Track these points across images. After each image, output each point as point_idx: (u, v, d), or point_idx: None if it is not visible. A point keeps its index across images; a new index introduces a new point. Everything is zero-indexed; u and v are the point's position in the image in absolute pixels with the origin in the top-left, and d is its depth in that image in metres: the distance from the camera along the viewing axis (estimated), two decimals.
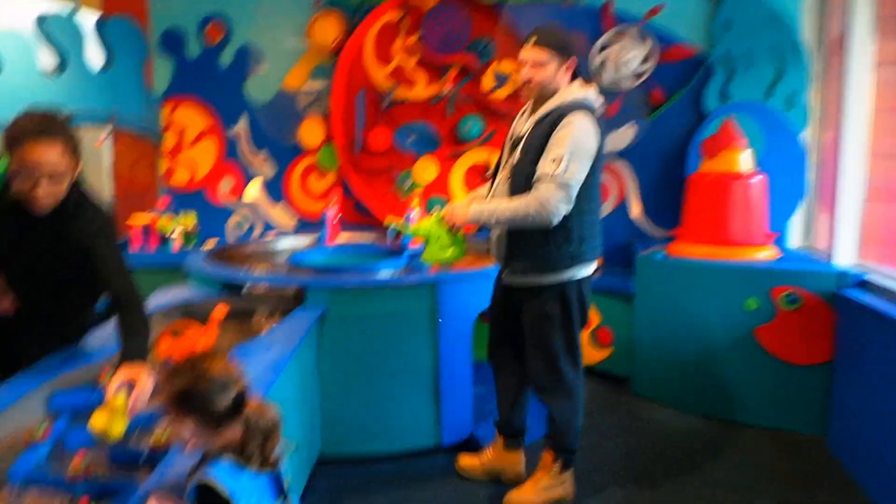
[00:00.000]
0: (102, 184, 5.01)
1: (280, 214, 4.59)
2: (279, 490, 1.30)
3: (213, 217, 4.55)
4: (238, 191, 4.60)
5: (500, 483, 2.59)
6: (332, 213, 3.64)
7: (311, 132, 4.38)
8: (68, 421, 1.74)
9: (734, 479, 2.67)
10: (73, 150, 1.76)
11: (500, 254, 2.43)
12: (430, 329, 2.73)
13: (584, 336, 3.78)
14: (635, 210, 4.04)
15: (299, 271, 2.89)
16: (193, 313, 2.64)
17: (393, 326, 2.69)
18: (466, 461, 2.70)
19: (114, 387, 1.50)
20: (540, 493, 2.45)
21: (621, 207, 4.07)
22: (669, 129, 3.88)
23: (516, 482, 2.57)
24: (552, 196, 2.17)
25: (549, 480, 2.46)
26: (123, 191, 4.76)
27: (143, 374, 1.56)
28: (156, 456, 1.52)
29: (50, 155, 1.68)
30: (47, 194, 1.73)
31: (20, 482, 1.46)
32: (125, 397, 1.47)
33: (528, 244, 2.31)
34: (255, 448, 1.22)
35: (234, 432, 1.24)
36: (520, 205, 2.23)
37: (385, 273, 2.79)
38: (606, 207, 4.08)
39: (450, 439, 2.82)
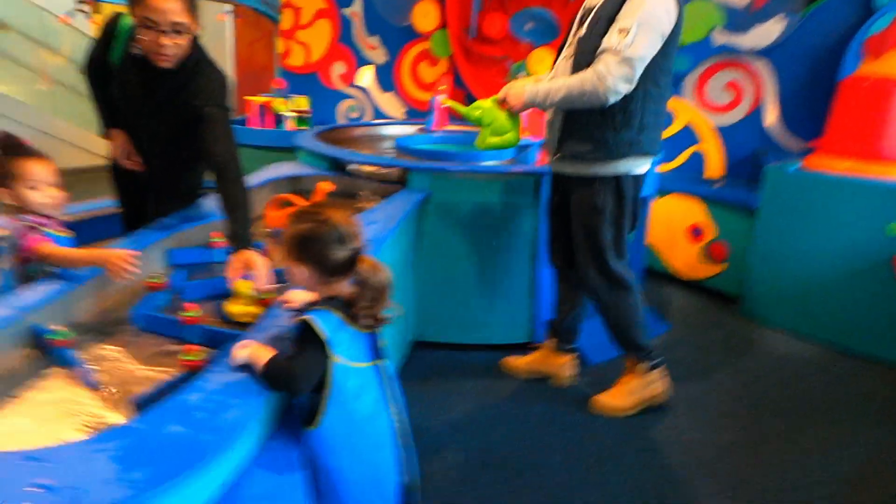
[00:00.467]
0: (224, 63, 5.15)
1: (389, 102, 4.55)
2: (375, 351, 1.31)
3: (325, 100, 4.59)
4: (350, 76, 4.58)
5: (584, 383, 2.57)
6: (440, 98, 3.55)
7: (425, 15, 4.22)
8: (185, 275, 1.85)
9: (843, 410, 2.49)
10: (192, 6, 1.80)
11: (554, 138, 2.24)
12: (532, 222, 2.65)
13: (696, 249, 3.57)
14: (770, 117, 3.64)
15: (404, 155, 2.86)
16: (300, 188, 2.71)
17: (494, 216, 2.63)
18: (512, 361, 2.66)
19: (236, 276, 1.60)
20: (628, 397, 2.39)
21: (754, 114, 3.68)
22: (827, 24, 3.39)
23: (562, 385, 2.54)
24: (612, 70, 1.95)
25: (635, 382, 2.39)
26: (242, 70, 4.89)
27: (255, 258, 1.63)
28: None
29: (172, 5, 1.74)
30: (172, 46, 1.79)
31: (141, 323, 1.58)
32: (249, 284, 1.57)
33: (584, 126, 2.12)
34: (364, 306, 1.23)
35: (344, 287, 1.26)
36: (575, 81, 2.02)
37: (490, 162, 2.70)
38: (737, 113, 3.72)
39: (543, 337, 2.80)
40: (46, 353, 1.40)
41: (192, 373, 1.28)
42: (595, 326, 2.83)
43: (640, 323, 2.34)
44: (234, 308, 1.58)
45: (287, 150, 3.50)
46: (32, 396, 1.27)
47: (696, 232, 3.58)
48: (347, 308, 1.24)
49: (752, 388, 2.63)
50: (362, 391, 1.26)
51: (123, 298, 1.72)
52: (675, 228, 3.65)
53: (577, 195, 2.24)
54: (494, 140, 2.21)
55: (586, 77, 1.99)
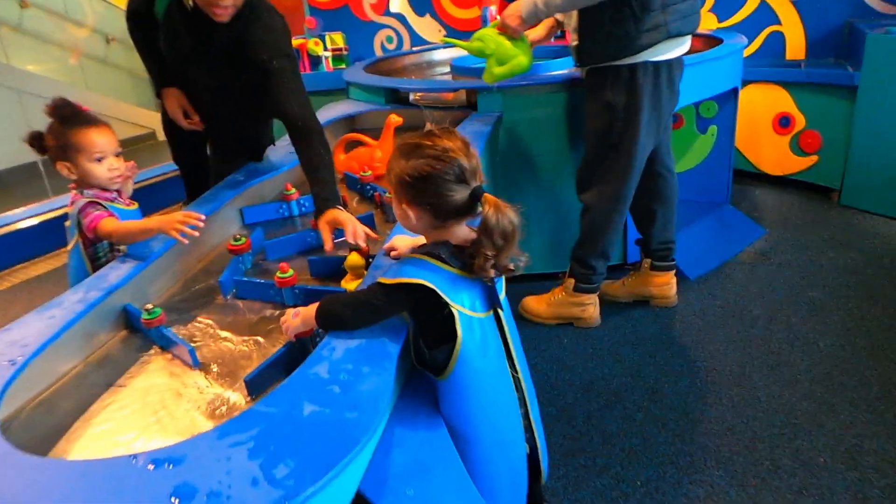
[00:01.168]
0: None
1: (428, 26, 4.25)
2: (491, 301, 1.13)
3: (360, 34, 4.32)
4: (383, 4, 4.28)
5: (689, 300, 2.38)
6: (492, 10, 3.25)
7: None
8: (264, 233, 1.72)
9: None
10: None
11: (573, 46, 2.00)
12: None
13: (785, 141, 3.26)
14: None
15: (465, 77, 2.62)
16: (357, 126, 2.52)
17: (571, 130, 2.38)
18: (608, 286, 2.46)
19: (329, 243, 1.48)
20: (551, 307, 2.31)
21: None
22: None
23: (666, 305, 2.36)
24: None
25: (563, 296, 2.29)
26: None
27: (340, 215, 1.48)
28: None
29: None
30: None
31: (231, 290, 1.46)
32: (357, 256, 1.42)
33: (601, 22, 1.86)
34: (487, 255, 1.01)
35: (460, 230, 1.07)
36: None
37: (563, 71, 2.44)
38: None
39: (635, 258, 2.60)
40: (143, 335, 1.29)
41: (300, 342, 1.15)
42: (692, 237, 2.63)
43: (604, 247, 2.19)
44: (351, 284, 1.41)
45: (329, 93, 3.29)
46: (138, 383, 1.16)
47: (783, 122, 3.26)
48: (460, 255, 1.06)
49: (872, 284, 2.40)
50: (485, 344, 1.10)
51: (207, 266, 1.60)
52: (758, 121, 3.33)
53: (590, 93, 2.04)
54: (501, 70, 1.99)
55: None
